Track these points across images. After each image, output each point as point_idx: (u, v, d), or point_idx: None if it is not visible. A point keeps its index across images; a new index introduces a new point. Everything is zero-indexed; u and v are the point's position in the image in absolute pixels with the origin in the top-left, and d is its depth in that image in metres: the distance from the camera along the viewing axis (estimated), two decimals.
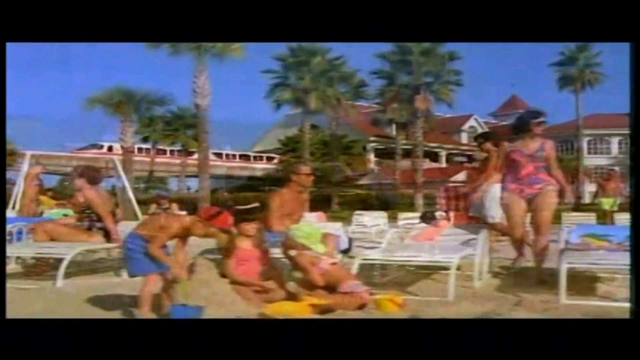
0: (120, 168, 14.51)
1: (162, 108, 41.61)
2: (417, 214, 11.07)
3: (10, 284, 6.63)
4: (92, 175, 7.55)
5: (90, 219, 7.44)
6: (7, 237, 8.07)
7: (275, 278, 5.34)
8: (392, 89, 39.86)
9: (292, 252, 5.36)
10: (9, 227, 8.13)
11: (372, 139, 55.16)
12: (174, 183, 62.58)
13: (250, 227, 5.28)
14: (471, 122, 62.15)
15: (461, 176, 49.88)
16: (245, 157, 63.60)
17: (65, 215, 13.07)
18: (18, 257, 8.26)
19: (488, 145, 8.22)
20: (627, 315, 3.83)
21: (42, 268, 7.42)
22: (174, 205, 14.52)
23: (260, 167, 62.78)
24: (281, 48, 38.12)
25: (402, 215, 19.95)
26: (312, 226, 5.79)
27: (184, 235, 4.75)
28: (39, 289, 6.46)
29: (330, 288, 5.15)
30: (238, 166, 60.70)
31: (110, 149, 56.77)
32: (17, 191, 14.17)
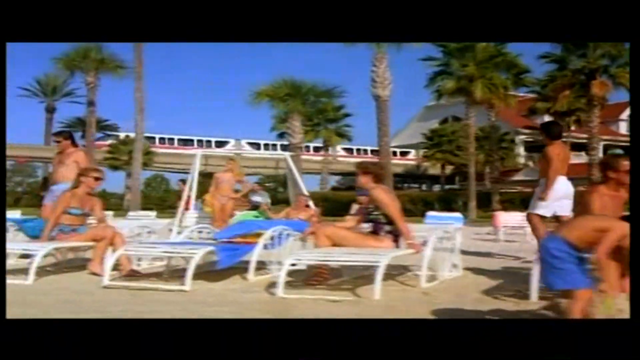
0: (292, 164, 14.60)
1: (332, 100, 41.74)
2: None
3: (310, 295, 6.33)
4: (378, 172, 7.21)
5: (376, 222, 7.05)
6: (269, 242, 7.81)
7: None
8: (564, 74, 37.86)
9: None
10: (269, 231, 7.87)
11: (525, 131, 53.20)
12: (311, 181, 62.99)
13: None
14: None
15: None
16: (377, 153, 63.25)
17: (256, 216, 12.98)
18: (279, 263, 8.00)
19: (543, 138, 7.96)
20: None
21: (323, 276, 7.09)
22: None
23: (400, 163, 62.36)
24: None
25: None
26: None
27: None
28: (354, 300, 6.14)
29: None
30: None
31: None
32: (190, 192, 14.23)
